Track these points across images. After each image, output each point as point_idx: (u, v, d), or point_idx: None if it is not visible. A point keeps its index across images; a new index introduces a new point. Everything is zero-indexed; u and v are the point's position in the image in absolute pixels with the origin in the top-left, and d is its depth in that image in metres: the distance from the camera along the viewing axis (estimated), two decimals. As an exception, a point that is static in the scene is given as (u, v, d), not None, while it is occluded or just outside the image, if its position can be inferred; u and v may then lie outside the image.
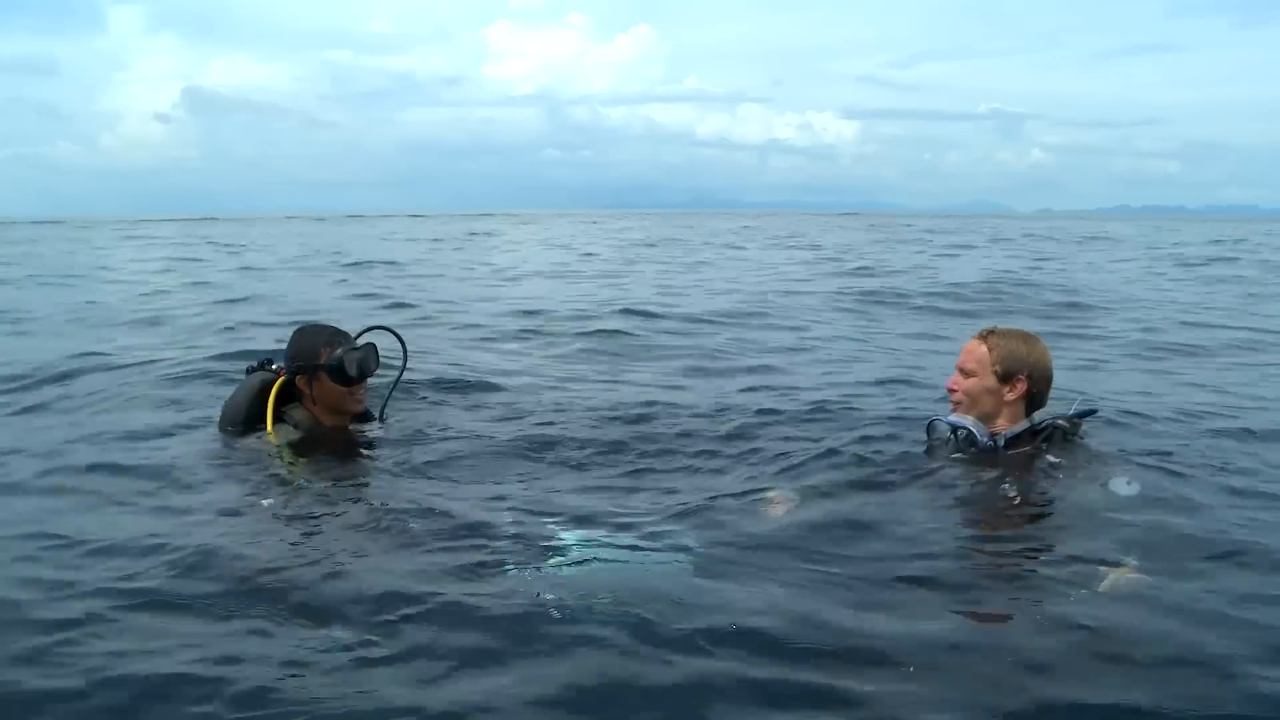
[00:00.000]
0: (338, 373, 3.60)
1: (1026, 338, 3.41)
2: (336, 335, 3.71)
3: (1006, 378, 3.31)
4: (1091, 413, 3.47)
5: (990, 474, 3.22)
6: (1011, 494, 3.09)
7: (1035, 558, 2.70)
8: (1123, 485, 3.05)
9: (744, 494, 3.24)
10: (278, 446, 3.55)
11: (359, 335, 3.79)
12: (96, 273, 16.23)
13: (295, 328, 3.82)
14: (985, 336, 3.40)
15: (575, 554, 2.66)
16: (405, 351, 3.93)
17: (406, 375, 4.07)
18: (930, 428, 3.51)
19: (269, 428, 3.59)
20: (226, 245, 25.44)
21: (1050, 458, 3.24)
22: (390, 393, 4.03)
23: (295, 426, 3.64)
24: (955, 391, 3.40)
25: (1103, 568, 2.53)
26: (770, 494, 3.20)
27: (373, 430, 3.92)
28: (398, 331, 3.94)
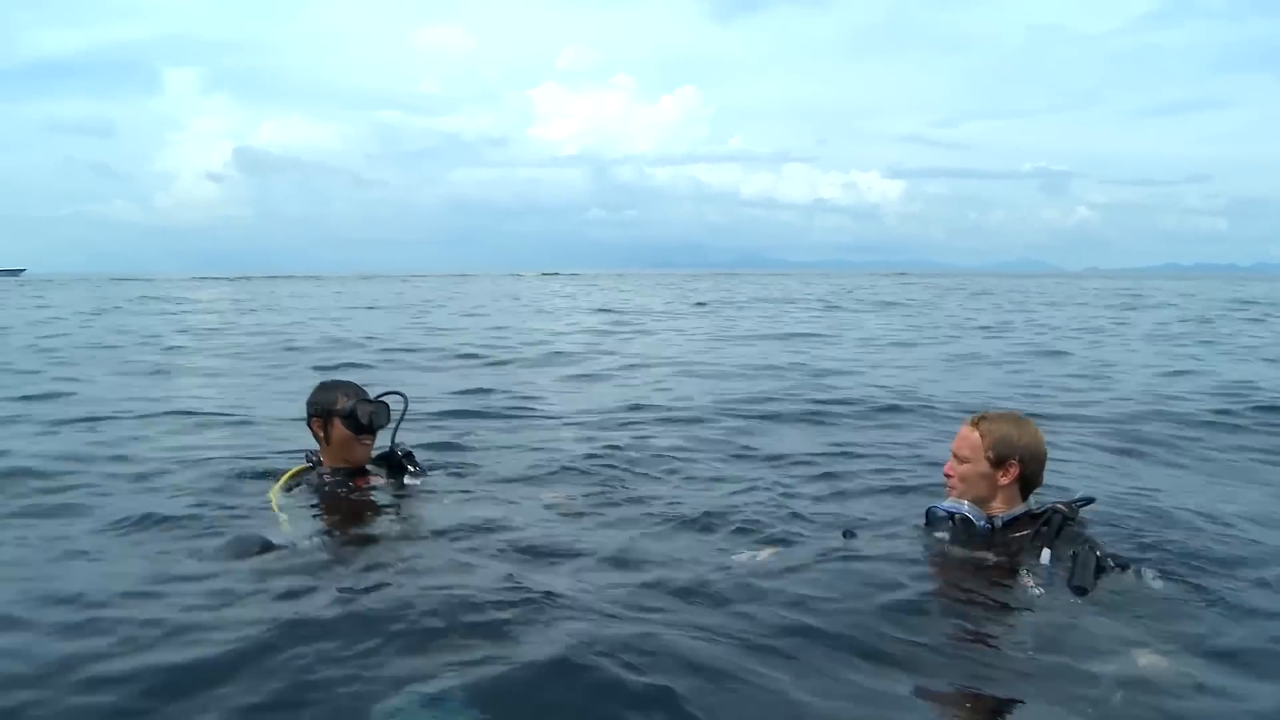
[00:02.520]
0: (350, 419, 4.06)
1: (1018, 421, 3.53)
2: (356, 389, 4.19)
3: (999, 462, 3.43)
4: (1090, 501, 3.53)
5: (992, 557, 3.29)
6: (1017, 576, 3.17)
7: (1048, 640, 2.73)
8: (1151, 578, 3.10)
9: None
10: (271, 496, 3.95)
11: (379, 397, 4.22)
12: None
13: (319, 381, 4.30)
14: (977, 423, 3.52)
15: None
16: (405, 405, 4.31)
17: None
18: (929, 515, 3.55)
19: (275, 487, 4.02)
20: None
21: (1048, 545, 3.25)
22: (397, 425, 4.29)
23: (307, 485, 4.06)
24: (951, 477, 3.52)
25: (1123, 651, 2.64)
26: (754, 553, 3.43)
27: (381, 483, 4.19)
28: (404, 394, 4.35)
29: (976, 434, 3.48)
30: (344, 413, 4.05)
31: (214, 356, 12.59)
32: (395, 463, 4.26)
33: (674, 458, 5.36)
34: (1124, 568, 3.11)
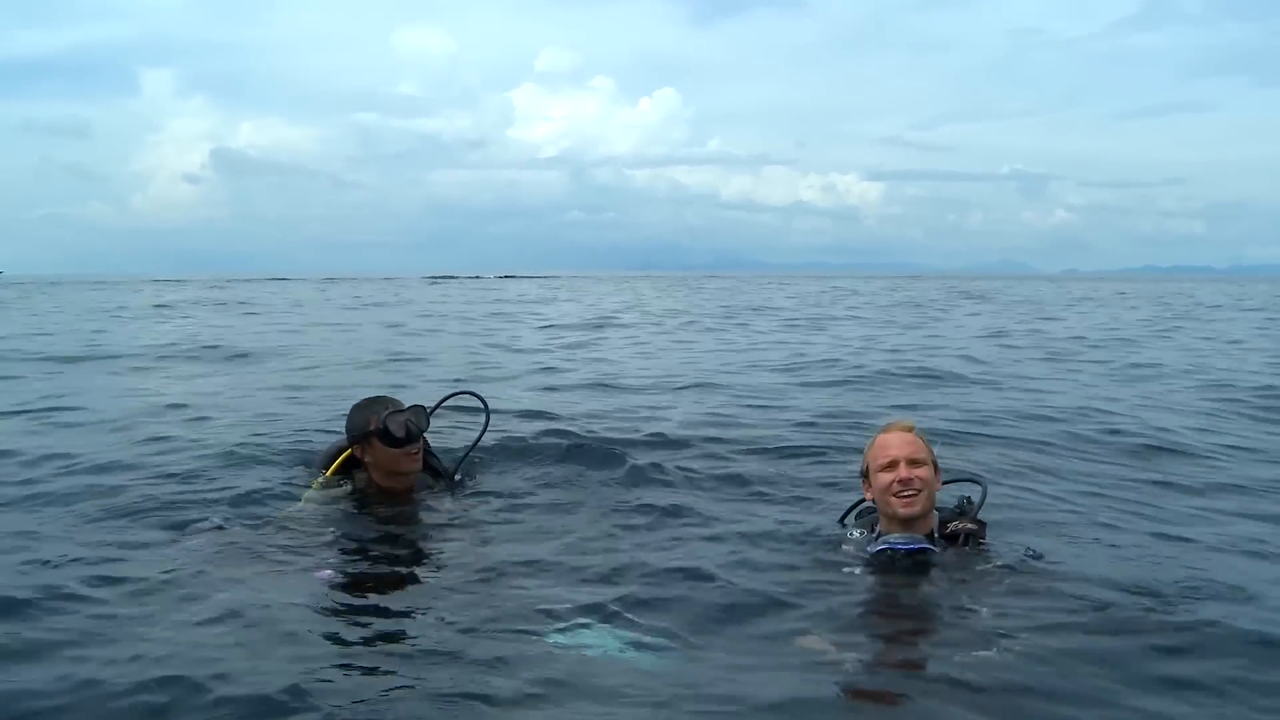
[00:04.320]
0: (386, 435, 3.86)
1: None
2: (381, 402, 3.96)
3: (936, 467, 3.30)
4: (975, 482, 3.42)
5: (944, 583, 3.10)
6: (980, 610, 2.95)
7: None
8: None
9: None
10: (304, 500, 3.85)
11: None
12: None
13: (353, 404, 4.08)
14: (910, 428, 3.34)
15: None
16: (488, 415, 4.22)
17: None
18: (886, 558, 3.19)
19: (316, 479, 3.97)
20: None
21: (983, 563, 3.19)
22: (466, 454, 4.23)
23: (353, 484, 3.94)
24: (910, 481, 3.19)
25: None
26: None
27: (434, 497, 4.07)
28: (482, 395, 4.25)
29: (920, 438, 3.29)
30: (377, 432, 3.83)
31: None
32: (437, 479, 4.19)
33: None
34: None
